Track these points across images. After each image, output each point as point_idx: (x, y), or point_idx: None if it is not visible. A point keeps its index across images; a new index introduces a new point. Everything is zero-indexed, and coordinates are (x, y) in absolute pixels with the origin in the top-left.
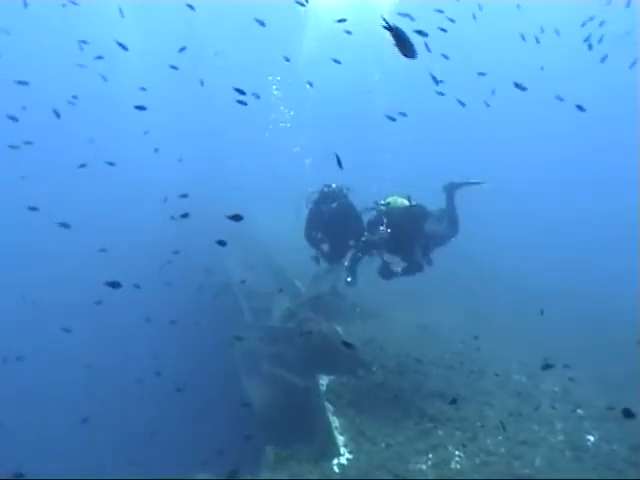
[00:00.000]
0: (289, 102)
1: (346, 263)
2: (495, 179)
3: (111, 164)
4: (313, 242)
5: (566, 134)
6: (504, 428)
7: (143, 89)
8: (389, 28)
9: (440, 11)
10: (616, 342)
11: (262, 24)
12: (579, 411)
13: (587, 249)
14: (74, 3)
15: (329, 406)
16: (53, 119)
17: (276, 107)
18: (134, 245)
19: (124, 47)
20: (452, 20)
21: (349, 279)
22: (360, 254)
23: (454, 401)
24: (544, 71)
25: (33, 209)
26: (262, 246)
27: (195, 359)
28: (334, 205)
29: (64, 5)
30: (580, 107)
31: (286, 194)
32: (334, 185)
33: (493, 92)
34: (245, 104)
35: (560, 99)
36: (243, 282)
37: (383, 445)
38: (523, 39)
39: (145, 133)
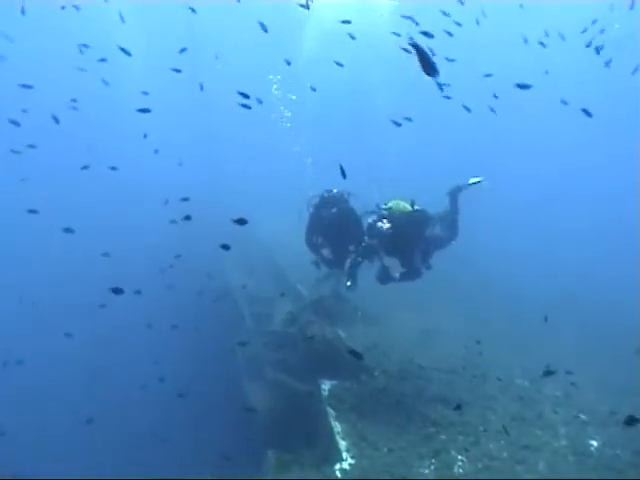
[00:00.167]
0: (289, 102)
1: (346, 267)
2: (496, 184)
3: (114, 169)
4: (313, 247)
5: (567, 139)
6: (507, 433)
7: (145, 93)
8: (414, 46)
9: (446, 14)
10: (617, 347)
11: (265, 30)
12: (582, 416)
13: (588, 255)
14: (77, 8)
15: (331, 411)
16: (55, 122)
17: (277, 107)
18: (136, 248)
19: (127, 52)
20: (459, 24)
21: (349, 283)
22: (360, 258)
23: (459, 407)
24: (548, 75)
25: (33, 212)
26: (264, 250)
27: (197, 364)
28: (334, 210)
29: (63, 7)
30: (587, 112)
31: (288, 197)
32: (335, 190)
33: (495, 96)
34: (249, 108)
35: (564, 103)
36: (244, 287)
37: (385, 450)
38: (525, 42)
39: (144, 137)
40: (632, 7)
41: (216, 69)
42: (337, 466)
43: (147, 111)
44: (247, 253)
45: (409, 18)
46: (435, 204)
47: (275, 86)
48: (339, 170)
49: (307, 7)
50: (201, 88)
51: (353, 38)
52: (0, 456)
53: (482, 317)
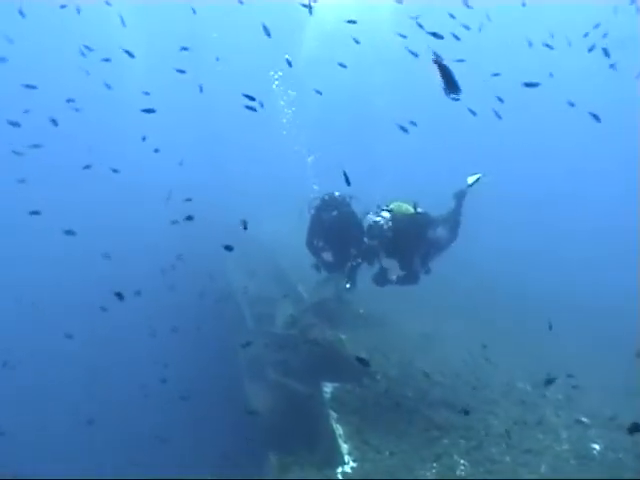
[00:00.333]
0: (290, 101)
1: (346, 270)
2: (495, 177)
3: (115, 171)
4: (314, 250)
5: (571, 141)
6: (509, 436)
7: (147, 93)
8: (437, 63)
9: (453, 17)
10: (619, 350)
11: (268, 34)
12: (584, 419)
13: (591, 257)
14: (78, 11)
15: (333, 414)
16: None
17: (277, 107)
18: (137, 249)
19: (130, 54)
20: (467, 27)
21: (348, 285)
22: (359, 260)
23: (466, 412)
24: (551, 77)
25: (35, 213)
26: (265, 251)
27: (198, 365)
28: (335, 213)
29: (62, 6)
30: (595, 116)
31: (289, 198)
32: (337, 193)
33: (501, 100)
34: (254, 110)
35: (571, 104)
36: (245, 288)
37: (387, 453)
38: (530, 45)
39: (143, 139)
40: (639, 10)
41: (217, 70)
42: (339, 469)
43: (152, 111)
44: (248, 254)
45: (415, 18)
46: (439, 206)
47: (276, 82)
48: (343, 176)
49: (310, 10)
50: (200, 90)
51: (357, 42)
52: (0, 456)
53: (484, 319)
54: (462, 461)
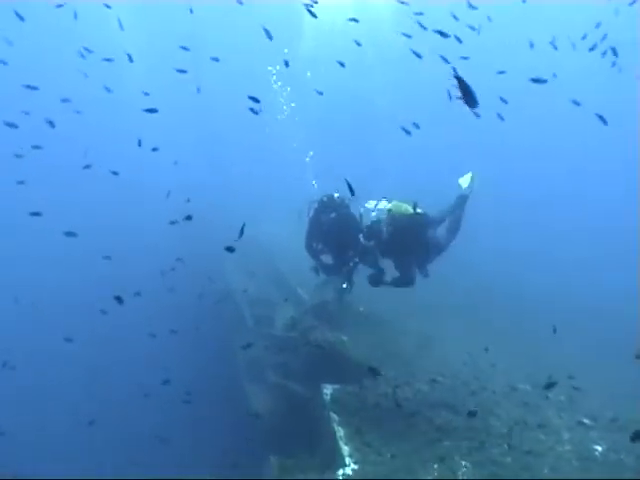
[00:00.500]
0: (288, 98)
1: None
2: (498, 185)
3: (115, 173)
4: (313, 252)
5: (570, 141)
6: (511, 438)
7: (147, 94)
8: (457, 78)
9: (456, 18)
10: (619, 351)
11: (270, 37)
12: (586, 421)
13: (590, 259)
14: (75, 16)
15: (334, 416)
16: (56, 124)
17: (276, 105)
18: (137, 250)
19: (130, 58)
20: (473, 28)
21: (344, 285)
22: (356, 260)
23: (474, 414)
24: (553, 77)
25: (36, 214)
26: (264, 253)
27: (198, 366)
28: (333, 215)
29: (59, 5)
30: (602, 118)
31: (289, 199)
32: (336, 195)
33: (504, 101)
34: (256, 113)
35: (577, 104)
36: (245, 290)
37: (389, 455)
38: (531, 46)
39: (139, 144)
40: None
41: (216, 70)
42: (340, 471)
43: (154, 111)
44: (248, 256)
45: (420, 14)
46: (440, 207)
47: (274, 77)
48: (346, 184)
49: (313, 13)
50: (198, 91)
51: (359, 44)
52: (0, 456)
53: (484, 320)
54: (464, 463)
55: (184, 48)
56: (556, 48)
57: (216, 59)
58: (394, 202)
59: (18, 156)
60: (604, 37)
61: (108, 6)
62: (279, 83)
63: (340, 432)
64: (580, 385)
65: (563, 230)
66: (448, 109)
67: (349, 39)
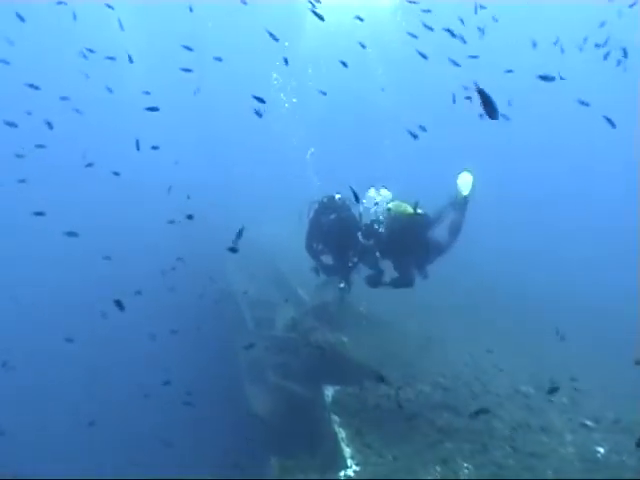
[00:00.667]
0: (289, 97)
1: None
2: (500, 186)
3: (116, 174)
4: (313, 253)
5: (572, 141)
6: (514, 440)
7: (147, 93)
8: (479, 91)
9: (462, 22)
10: (620, 352)
11: (275, 39)
12: (588, 423)
13: (592, 259)
14: (74, 17)
15: (335, 417)
16: (56, 124)
17: (277, 105)
18: (138, 249)
19: (130, 59)
20: (482, 30)
21: (342, 285)
22: (355, 260)
23: (482, 411)
24: (556, 77)
25: (39, 214)
26: (265, 254)
27: (198, 367)
28: (333, 217)
29: (60, 2)
30: (609, 120)
31: (290, 200)
32: (337, 196)
33: (509, 103)
34: (260, 115)
35: (586, 104)
36: (245, 291)
37: (390, 457)
38: (534, 46)
39: (137, 148)
40: None
41: (218, 70)
42: (341, 473)
43: (155, 109)
44: (248, 256)
45: (427, 11)
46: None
47: (275, 75)
48: (351, 192)
49: (320, 15)
50: (195, 92)
51: (363, 47)
52: (0, 456)
53: (486, 321)
54: (466, 465)
55: (187, 48)
56: (563, 50)
57: (219, 59)
58: (394, 202)
59: (19, 156)
60: (606, 40)
61: (110, 7)
62: (280, 80)
63: (341, 433)
64: (582, 386)
65: (566, 230)
66: (451, 109)
67: (351, 39)
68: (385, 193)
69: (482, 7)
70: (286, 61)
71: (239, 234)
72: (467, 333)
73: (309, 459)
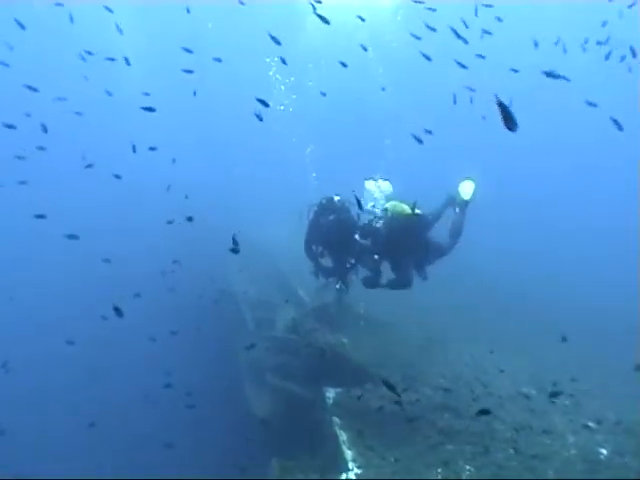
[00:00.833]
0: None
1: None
2: (502, 186)
3: (117, 177)
4: (312, 256)
5: (574, 141)
6: (515, 442)
7: (147, 94)
8: (499, 104)
9: (466, 25)
10: (622, 352)
11: (278, 42)
12: (590, 424)
13: (594, 259)
14: (71, 19)
15: (336, 419)
16: (57, 126)
17: (277, 98)
18: (138, 251)
19: (127, 61)
20: (489, 32)
21: (338, 285)
22: (352, 261)
23: (487, 412)
24: (558, 77)
25: (40, 217)
26: (266, 255)
27: (198, 368)
28: (331, 217)
29: (58, 4)
30: (617, 123)
31: (291, 202)
32: (337, 198)
33: (511, 103)
34: (261, 119)
35: (593, 105)
36: (246, 292)
37: (392, 459)
38: (536, 45)
39: (134, 151)
40: None
41: (217, 71)
42: (343, 475)
43: (152, 110)
44: (249, 257)
45: (433, 10)
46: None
47: (274, 69)
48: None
49: (325, 19)
50: (194, 94)
51: (365, 49)
52: (1, 457)
53: (486, 321)
54: (468, 467)
55: (187, 50)
56: (565, 50)
57: (219, 59)
58: (392, 202)
59: (20, 157)
60: (607, 39)
61: (110, 10)
62: (278, 76)
63: (342, 436)
64: (583, 387)
65: (567, 230)
66: (452, 109)
67: (352, 39)
68: (385, 186)
69: (489, 6)
70: (284, 61)
71: (234, 241)
72: (467, 334)
73: (310, 461)
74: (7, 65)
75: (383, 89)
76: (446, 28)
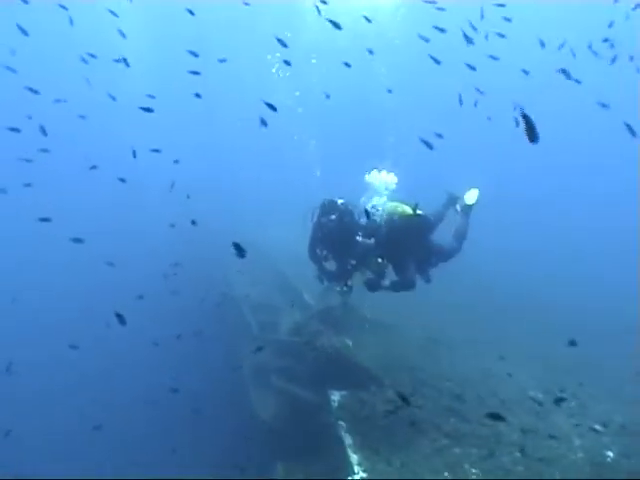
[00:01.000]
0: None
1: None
2: (499, 186)
3: (122, 180)
4: (316, 259)
5: (575, 141)
6: (522, 445)
7: (152, 96)
8: (524, 116)
9: (474, 28)
10: (623, 354)
11: (284, 45)
12: (597, 427)
13: (597, 259)
14: (71, 22)
15: (341, 423)
16: (60, 129)
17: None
18: (141, 254)
19: (126, 63)
20: (503, 35)
21: (338, 288)
22: (353, 262)
23: (499, 417)
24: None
25: (45, 220)
26: (270, 258)
27: (203, 371)
28: (333, 217)
29: (62, 6)
30: (630, 128)
31: (295, 204)
32: (340, 201)
33: (515, 107)
34: (266, 125)
35: (605, 106)
36: (249, 295)
37: (398, 463)
38: (542, 46)
39: (134, 156)
40: None
41: (220, 72)
42: (348, 479)
43: (150, 110)
44: (253, 260)
45: (443, 10)
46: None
47: (277, 65)
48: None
49: (337, 24)
50: (199, 96)
51: (371, 53)
52: (6, 457)
53: (490, 323)
54: (474, 470)
55: (193, 53)
56: (574, 55)
57: (223, 60)
58: (393, 203)
59: (27, 160)
60: (610, 42)
61: (115, 14)
62: (280, 73)
63: (348, 439)
64: (588, 390)
65: (571, 229)
66: (451, 109)
67: (354, 38)
68: (389, 177)
69: (500, 5)
70: (287, 62)
71: (239, 246)
72: (472, 335)
73: (315, 464)
74: (13, 70)
75: (390, 91)
76: (448, 27)
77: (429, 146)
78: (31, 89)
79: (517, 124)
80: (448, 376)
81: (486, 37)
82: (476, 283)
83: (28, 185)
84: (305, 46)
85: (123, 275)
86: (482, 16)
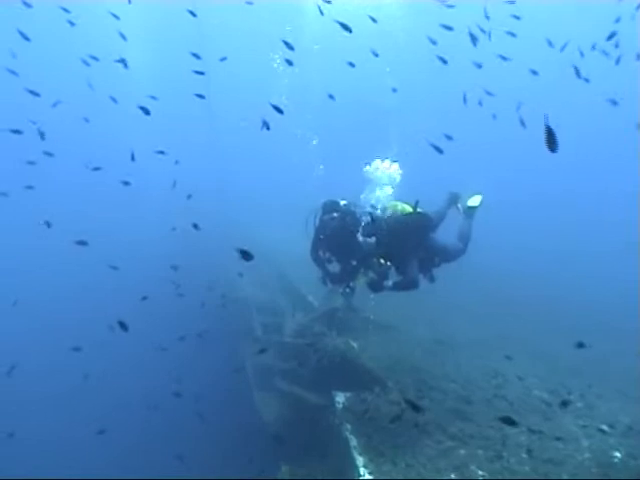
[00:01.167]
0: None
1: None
2: (500, 186)
3: (127, 183)
4: (319, 262)
5: (574, 142)
6: (529, 446)
7: (154, 98)
8: (547, 127)
9: (483, 30)
10: (633, 353)
11: (291, 47)
12: (604, 427)
13: (605, 258)
14: (71, 24)
15: (346, 424)
16: (62, 132)
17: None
18: (145, 257)
19: (125, 64)
20: (513, 34)
21: (341, 290)
22: (355, 262)
23: (512, 422)
24: (564, 77)
25: (48, 224)
26: (273, 259)
27: (205, 375)
28: (335, 215)
29: (64, 9)
30: None
31: (298, 206)
32: (343, 202)
33: (518, 107)
34: (268, 128)
35: (614, 103)
36: (253, 297)
37: (403, 465)
38: (551, 45)
39: (132, 159)
40: None
41: (221, 73)
42: None
43: (147, 112)
44: (255, 262)
45: (451, 7)
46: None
47: (278, 61)
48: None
49: (347, 27)
50: (202, 97)
51: (376, 55)
52: (4, 460)
53: (496, 324)
54: (480, 472)
55: (196, 56)
56: (582, 55)
57: (224, 58)
58: (394, 202)
59: (31, 163)
60: (617, 41)
61: (116, 17)
62: (281, 68)
63: (353, 441)
64: (596, 390)
65: (579, 228)
66: (452, 109)
67: (355, 38)
68: (392, 167)
69: (511, 2)
70: (290, 62)
71: (245, 251)
72: (478, 336)
73: (320, 466)
74: (15, 73)
75: (394, 90)
76: (453, 25)
77: (439, 150)
78: (32, 92)
79: (522, 124)
80: (453, 377)
81: (489, 36)
82: (481, 283)
83: (30, 187)
84: (307, 46)
85: (125, 278)
86: (487, 16)
